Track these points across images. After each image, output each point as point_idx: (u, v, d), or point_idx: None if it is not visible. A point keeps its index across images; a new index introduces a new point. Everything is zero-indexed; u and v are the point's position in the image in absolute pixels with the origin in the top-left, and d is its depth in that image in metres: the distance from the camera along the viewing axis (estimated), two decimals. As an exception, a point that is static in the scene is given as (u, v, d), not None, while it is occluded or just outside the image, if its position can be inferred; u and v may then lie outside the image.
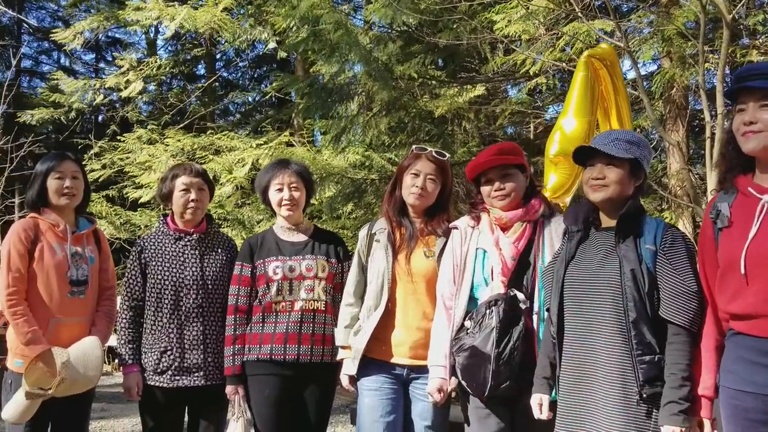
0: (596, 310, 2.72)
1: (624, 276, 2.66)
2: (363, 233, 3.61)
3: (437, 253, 3.40)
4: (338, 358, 3.54)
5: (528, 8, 7.09)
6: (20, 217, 3.99)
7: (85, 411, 3.74)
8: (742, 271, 2.37)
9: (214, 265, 3.74)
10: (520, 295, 3.03)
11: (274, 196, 3.72)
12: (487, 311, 3.00)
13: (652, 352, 2.62)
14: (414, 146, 3.56)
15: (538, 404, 2.88)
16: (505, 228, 3.20)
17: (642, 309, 2.63)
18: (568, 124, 4.22)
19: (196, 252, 3.73)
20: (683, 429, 2.51)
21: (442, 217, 3.51)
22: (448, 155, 3.54)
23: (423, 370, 3.29)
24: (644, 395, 2.60)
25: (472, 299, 3.16)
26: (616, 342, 2.66)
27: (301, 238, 3.74)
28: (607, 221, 2.86)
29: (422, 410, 3.32)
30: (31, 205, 3.61)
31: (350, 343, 3.46)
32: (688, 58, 6.93)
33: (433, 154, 3.47)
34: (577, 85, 4.29)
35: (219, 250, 3.81)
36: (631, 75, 6.41)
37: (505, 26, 7.45)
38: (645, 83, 6.90)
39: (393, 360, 3.38)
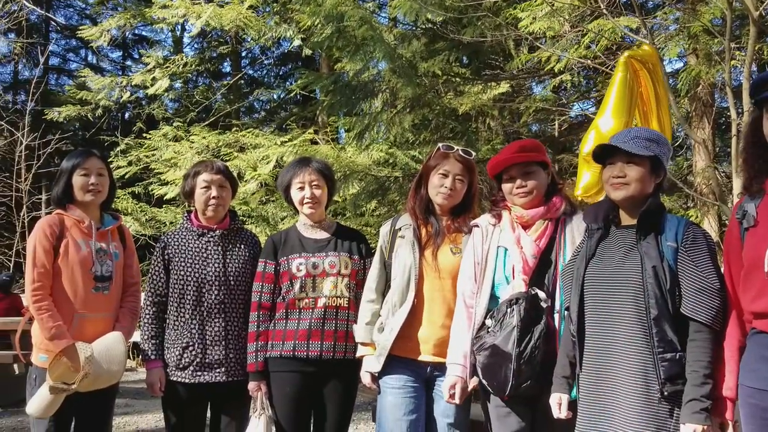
0: (617, 308, 2.70)
1: (645, 273, 2.64)
2: (385, 229, 3.61)
3: (464, 250, 3.39)
4: (358, 355, 3.53)
5: (553, 5, 7.06)
6: (47, 214, 4.02)
7: (109, 406, 3.77)
8: (766, 269, 2.34)
9: (236, 261, 3.76)
10: (542, 294, 3.01)
11: (296, 194, 3.73)
12: (508, 310, 2.98)
13: (673, 350, 2.60)
14: (440, 144, 3.54)
15: (558, 403, 2.86)
16: (526, 226, 3.18)
17: (663, 306, 2.61)
18: (605, 124, 4.20)
19: (219, 248, 3.75)
20: (705, 427, 2.49)
21: (468, 215, 3.50)
22: (474, 153, 3.53)
23: (446, 368, 3.28)
24: (665, 393, 2.58)
25: (493, 297, 3.14)
26: (637, 339, 2.64)
27: (324, 235, 3.75)
28: (627, 219, 2.84)
29: (445, 408, 3.30)
30: (57, 201, 3.65)
31: (374, 340, 3.44)
32: (714, 55, 6.87)
33: (461, 153, 3.46)
34: (615, 85, 4.27)
35: (242, 246, 3.82)
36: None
37: (530, 23, 7.43)
38: (671, 80, 6.84)
39: (417, 357, 3.36)
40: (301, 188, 3.71)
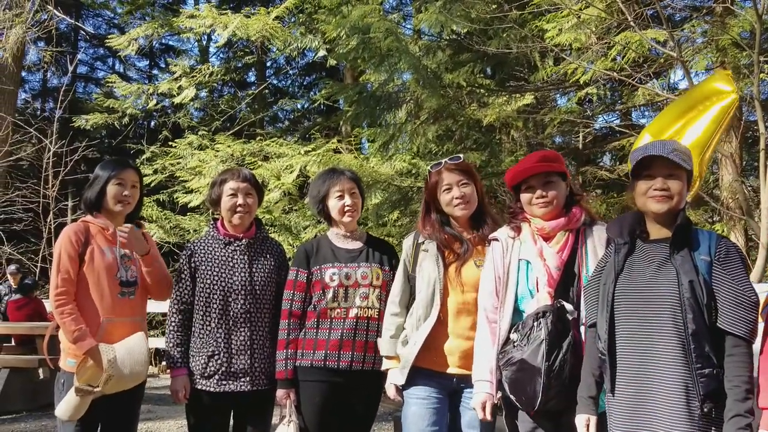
0: (654, 324, 2.65)
1: (682, 287, 2.60)
2: (408, 243, 3.59)
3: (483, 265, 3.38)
4: (383, 368, 3.53)
5: (580, 17, 7.03)
6: (73, 220, 4.08)
7: (134, 411, 3.80)
8: None
9: (262, 270, 3.77)
10: (568, 306, 2.97)
11: (334, 203, 3.72)
12: (535, 323, 2.95)
13: (711, 365, 2.56)
14: (428, 168, 3.57)
15: (585, 425, 2.80)
16: (547, 238, 3.15)
17: (701, 321, 2.57)
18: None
19: (245, 257, 3.76)
20: None
21: (487, 222, 3.49)
22: (462, 157, 3.54)
23: (472, 380, 3.26)
24: (705, 410, 2.54)
25: (516, 311, 3.12)
26: (675, 355, 2.59)
27: (357, 245, 3.76)
28: (656, 233, 2.80)
29: (471, 420, 3.29)
30: (89, 206, 3.69)
31: (399, 353, 3.44)
32: (743, 68, 6.81)
33: (449, 162, 3.48)
34: (711, 116, 4.20)
35: (268, 256, 3.83)
36: (684, 85, 6.31)
37: (556, 35, 7.41)
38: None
39: (443, 370, 3.35)
40: (341, 197, 3.71)
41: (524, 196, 3.19)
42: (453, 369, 3.34)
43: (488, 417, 3.12)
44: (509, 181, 3.24)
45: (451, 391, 3.37)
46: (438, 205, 3.50)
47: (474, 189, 3.47)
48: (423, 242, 3.51)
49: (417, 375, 3.36)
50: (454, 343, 3.34)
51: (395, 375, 3.44)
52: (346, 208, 3.70)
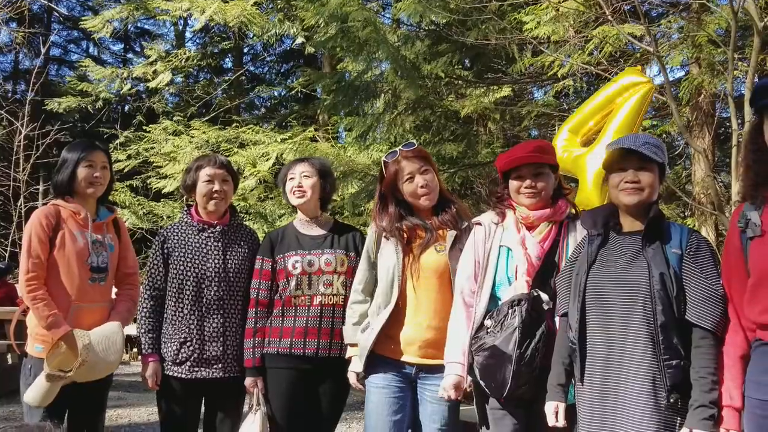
0: (624, 315, 2.67)
1: (653, 280, 2.62)
2: (372, 229, 3.57)
3: (448, 247, 3.35)
4: (347, 356, 3.53)
5: (558, 10, 7.05)
6: (44, 204, 4.02)
7: (103, 397, 3.76)
8: None
9: (236, 257, 3.75)
10: (544, 296, 2.98)
11: (288, 185, 3.76)
12: (510, 311, 2.95)
13: (678, 357, 2.59)
14: (383, 158, 3.53)
15: (554, 411, 2.82)
16: (530, 227, 3.15)
17: (670, 313, 2.60)
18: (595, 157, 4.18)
19: (219, 244, 3.74)
20: None
21: (448, 206, 3.46)
22: (415, 144, 3.50)
23: (432, 370, 3.27)
24: (671, 400, 2.57)
25: (492, 298, 3.11)
26: (644, 346, 2.62)
27: (321, 231, 3.75)
28: (629, 225, 2.82)
29: (432, 412, 3.28)
30: (59, 190, 3.63)
31: (357, 340, 3.44)
32: (718, 64, 6.87)
33: (404, 150, 3.43)
34: (629, 110, 4.28)
35: (242, 243, 3.81)
36: (659, 80, 6.34)
37: (535, 27, 7.43)
38: (673, 89, 6.84)
39: (402, 358, 3.34)
40: (292, 179, 3.73)
41: (513, 184, 3.17)
42: (411, 358, 3.33)
43: (459, 397, 3.12)
44: (501, 166, 3.21)
45: (411, 380, 3.35)
46: (399, 196, 3.45)
47: (434, 175, 3.45)
48: (385, 233, 3.49)
49: (377, 363, 3.36)
50: (413, 331, 3.33)
51: (355, 362, 3.45)
52: (294, 189, 3.71)
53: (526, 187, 3.12)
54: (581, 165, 4.29)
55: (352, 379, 3.51)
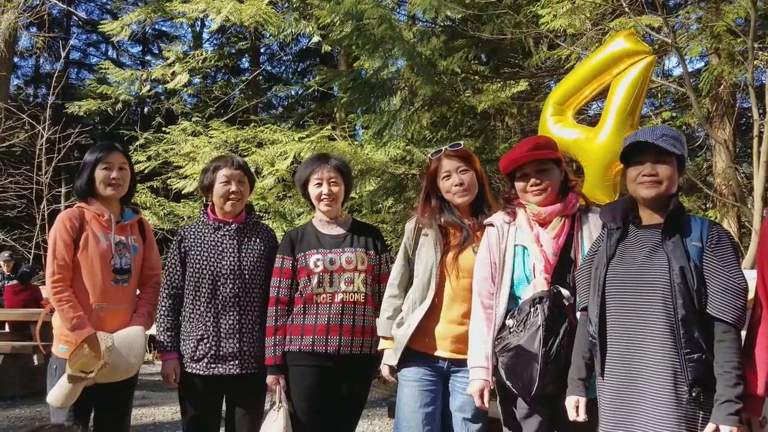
0: (644, 309, 2.66)
1: (673, 273, 2.60)
2: (410, 226, 3.60)
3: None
4: (379, 348, 3.56)
5: (574, 2, 7.01)
6: (66, 207, 4.07)
7: (128, 397, 3.80)
8: None
9: (251, 255, 3.78)
10: (565, 292, 2.96)
11: (313, 190, 3.75)
12: (532, 309, 2.94)
13: (700, 350, 2.57)
14: (427, 156, 3.58)
15: (575, 406, 2.81)
16: (543, 223, 3.14)
17: (691, 306, 2.58)
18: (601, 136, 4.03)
19: (235, 242, 3.77)
20: (738, 429, 2.46)
21: (488, 209, 3.49)
22: (461, 144, 3.53)
23: (463, 364, 3.27)
24: (693, 394, 2.55)
25: (512, 297, 3.11)
26: (665, 340, 2.60)
27: (340, 231, 3.77)
28: (649, 218, 2.80)
29: (462, 403, 3.31)
30: (80, 194, 3.68)
31: (393, 334, 3.46)
32: (737, 55, 6.80)
33: (449, 149, 3.48)
34: (630, 82, 4.00)
35: (257, 240, 3.84)
36: (678, 71, 6.30)
37: (551, 21, 7.39)
38: (692, 80, 6.79)
39: (435, 353, 3.38)
40: (319, 185, 3.73)
41: (519, 184, 3.17)
42: (443, 352, 3.36)
43: (486, 405, 3.12)
44: (503, 168, 3.21)
45: (443, 374, 3.39)
46: (438, 192, 3.50)
47: (474, 176, 3.46)
48: (424, 227, 3.52)
49: (410, 357, 3.39)
50: (446, 327, 3.36)
51: (389, 356, 3.47)
52: (323, 197, 3.72)
53: (531, 186, 3.12)
54: (588, 149, 4.11)
55: (384, 371, 3.54)
